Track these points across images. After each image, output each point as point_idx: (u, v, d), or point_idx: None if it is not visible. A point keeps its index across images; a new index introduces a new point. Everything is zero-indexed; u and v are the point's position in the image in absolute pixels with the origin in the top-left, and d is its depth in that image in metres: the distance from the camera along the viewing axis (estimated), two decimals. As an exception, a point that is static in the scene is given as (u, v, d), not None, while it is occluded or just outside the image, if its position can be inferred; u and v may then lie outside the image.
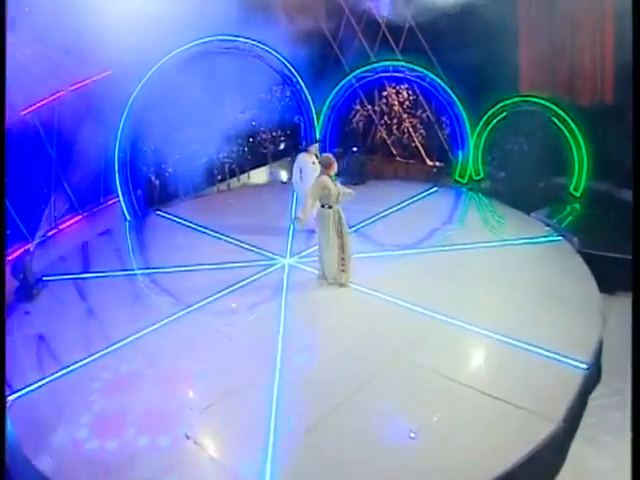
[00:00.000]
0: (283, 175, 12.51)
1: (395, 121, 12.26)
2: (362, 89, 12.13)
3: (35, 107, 9.54)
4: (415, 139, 12.30)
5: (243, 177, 12.33)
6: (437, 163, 12.54)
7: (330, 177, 7.60)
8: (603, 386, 6.41)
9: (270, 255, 8.95)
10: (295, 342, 6.76)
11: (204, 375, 6.34)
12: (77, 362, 6.68)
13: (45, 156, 9.99)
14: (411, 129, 12.23)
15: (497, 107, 11.25)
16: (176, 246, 9.64)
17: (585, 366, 6.02)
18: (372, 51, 12.63)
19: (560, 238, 8.90)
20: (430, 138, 12.24)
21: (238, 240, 9.48)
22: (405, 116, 12.18)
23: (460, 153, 11.90)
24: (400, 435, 5.30)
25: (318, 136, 12.19)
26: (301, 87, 11.95)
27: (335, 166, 7.66)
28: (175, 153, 11.21)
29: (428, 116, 12.05)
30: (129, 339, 7.04)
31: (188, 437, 5.50)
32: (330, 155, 7.78)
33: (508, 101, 11.13)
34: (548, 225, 9.41)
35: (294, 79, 11.85)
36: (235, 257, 8.96)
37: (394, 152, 12.59)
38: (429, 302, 7.19)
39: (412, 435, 5.29)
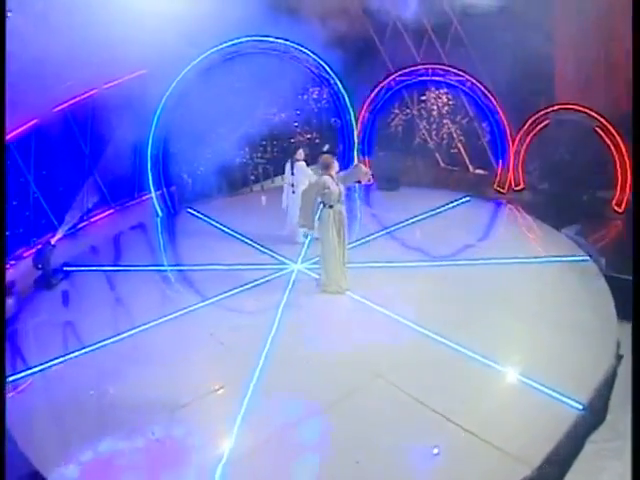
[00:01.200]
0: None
1: (434, 126, 11.73)
2: (401, 93, 11.66)
3: (68, 104, 9.69)
4: (454, 145, 11.72)
5: (277, 179, 12.14)
6: (477, 171, 11.94)
7: (331, 177, 7.35)
8: (607, 427, 5.81)
9: (282, 259, 8.74)
10: (280, 352, 6.51)
11: (184, 376, 6.22)
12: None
13: (78, 151, 10.15)
14: (450, 135, 11.66)
15: (538, 115, 10.63)
16: (198, 244, 9.62)
17: (580, 407, 5.43)
18: (418, 54, 12.15)
19: (587, 258, 8.22)
20: (470, 145, 11.65)
21: (257, 243, 9.34)
22: (445, 121, 11.63)
23: (500, 162, 11.28)
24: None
25: (356, 139, 11.88)
26: (339, 89, 11.61)
27: (335, 166, 7.45)
28: (207, 152, 11.14)
29: (468, 122, 11.45)
30: (120, 335, 7.03)
31: (153, 434, 5.41)
32: (329, 156, 7.51)
33: (549, 109, 10.49)
34: (577, 243, 8.71)
35: (331, 81, 11.53)
36: (250, 259, 8.85)
37: (432, 158, 12.05)
38: (431, 320, 6.76)
39: (435, 451, 4.94)
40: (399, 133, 11.94)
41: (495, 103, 10.97)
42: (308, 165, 9.03)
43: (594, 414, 5.69)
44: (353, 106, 11.77)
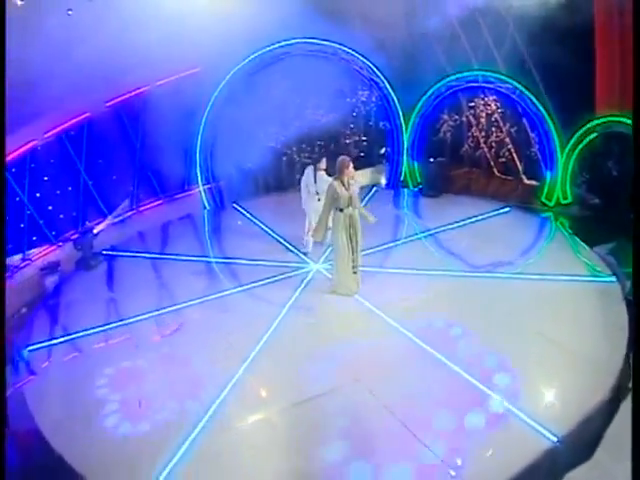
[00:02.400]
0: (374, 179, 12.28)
1: (482, 134, 11.42)
2: (450, 99, 11.44)
3: (120, 99, 10.24)
4: (502, 154, 11.37)
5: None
6: (528, 182, 11.52)
7: (342, 181, 7.38)
8: (594, 464, 5.33)
9: (305, 258, 8.86)
10: (274, 342, 6.71)
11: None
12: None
13: (129, 144, 10.70)
14: (498, 143, 11.32)
15: (587, 126, 10.15)
16: (236, 239, 9.97)
17: (555, 439, 5.15)
18: (475, 59, 11.86)
19: (612, 280, 7.75)
20: (518, 155, 11.24)
21: (288, 241, 9.52)
22: (493, 129, 11.29)
23: (548, 173, 10.85)
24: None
25: (406, 143, 11.81)
26: (388, 92, 11.56)
27: (350, 170, 7.42)
28: (255, 150, 11.41)
29: (517, 131, 11.07)
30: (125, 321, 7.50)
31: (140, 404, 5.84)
32: (345, 158, 7.50)
33: (598, 120, 10.00)
34: (607, 263, 8.25)
35: (381, 84, 11.49)
36: (277, 256, 9.03)
37: (480, 166, 11.75)
38: (430, 331, 6.66)
39: (452, 473, 4.89)
40: (447, 139, 11.72)
41: (545, 112, 10.57)
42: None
43: (574, 448, 5.27)
44: (403, 110, 11.70)
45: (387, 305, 7.29)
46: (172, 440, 5.30)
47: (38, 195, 9.75)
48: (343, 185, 7.41)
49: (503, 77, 10.75)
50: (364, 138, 12.05)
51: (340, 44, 11.02)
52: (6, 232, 7.20)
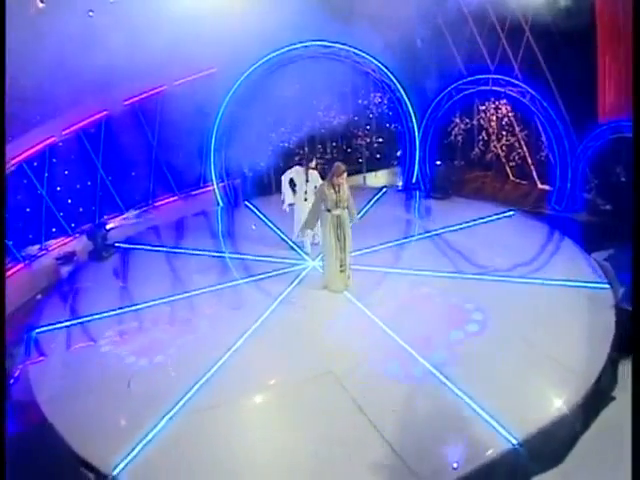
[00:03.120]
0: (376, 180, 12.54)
1: (493, 137, 11.55)
2: (462, 102, 11.62)
3: (137, 99, 10.81)
4: (512, 158, 11.49)
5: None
6: (541, 187, 11.62)
7: (332, 184, 7.70)
8: (558, 475, 5.40)
9: (303, 255, 9.22)
10: (261, 337, 7.09)
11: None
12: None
13: (146, 142, 11.26)
14: (508, 147, 11.45)
15: (597, 131, 10.20)
16: (244, 235, 10.36)
17: (515, 441, 5.25)
18: (492, 63, 12.01)
19: (604, 286, 7.77)
20: (528, 159, 11.35)
21: (289, 238, 9.85)
22: (503, 133, 11.43)
23: (558, 178, 10.92)
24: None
25: (418, 145, 12.03)
26: (401, 95, 11.81)
27: (342, 177, 7.70)
28: (268, 149, 11.85)
29: (527, 135, 11.18)
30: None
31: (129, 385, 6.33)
32: (341, 165, 7.79)
33: (608, 125, 10.03)
34: (604, 269, 8.32)
35: (393, 86, 11.75)
36: (279, 252, 9.39)
37: (489, 169, 11.89)
38: (410, 332, 6.83)
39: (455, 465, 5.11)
40: (459, 142, 11.90)
41: (555, 117, 10.66)
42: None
43: (539, 453, 5.40)
44: (415, 113, 11.94)
45: (374, 303, 7.53)
46: (154, 415, 5.77)
47: (59, 189, 10.42)
48: (333, 188, 7.70)
49: (513, 81, 10.89)
50: (376, 140, 12.33)
51: (352, 47, 11.33)
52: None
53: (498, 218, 10.15)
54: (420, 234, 9.62)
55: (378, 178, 12.37)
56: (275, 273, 8.71)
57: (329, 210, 7.78)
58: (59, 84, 8.93)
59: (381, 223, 9.98)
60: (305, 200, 8.82)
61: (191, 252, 9.78)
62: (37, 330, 7.73)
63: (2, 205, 5.72)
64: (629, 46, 9.18)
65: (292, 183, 9.27)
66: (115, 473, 5.18)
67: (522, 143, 11.33)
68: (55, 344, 7.44)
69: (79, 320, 7.90)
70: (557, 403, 5.75)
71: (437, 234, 9.60)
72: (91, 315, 7.96)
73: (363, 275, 8.32)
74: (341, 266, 7.92)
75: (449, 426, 5.46)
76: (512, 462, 5.27)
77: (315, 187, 8.82)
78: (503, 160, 11.67)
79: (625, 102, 9.65)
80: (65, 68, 8.87)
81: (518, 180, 11.88)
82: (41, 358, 7.26)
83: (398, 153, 12.61)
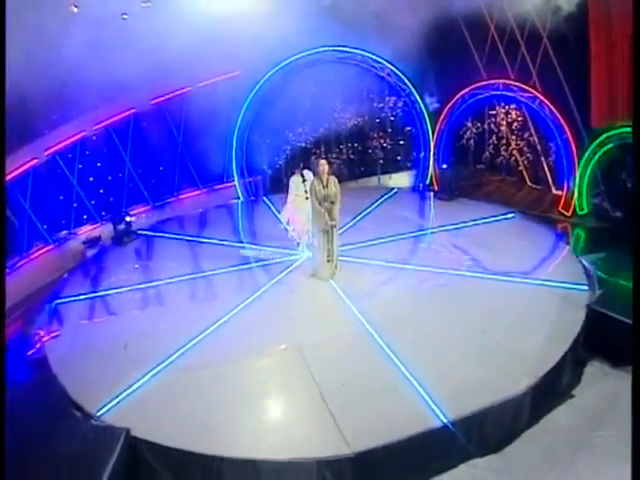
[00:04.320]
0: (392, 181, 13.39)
1: (503, 141, 12.24)
2: (473, 106, 12.34)
3: (163, 98, 12.07)
4: (521, 162, 12.14)
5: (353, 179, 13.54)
6: (557, 192, 12.16)
7: (320, 180, 8.62)
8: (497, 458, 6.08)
9: (301, 247, 10.16)
10: (249, 313, 8.16)
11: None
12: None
13: (171, 139, 12.47)
14: (517, 151, 12.11)
15: (602, 137, 10.73)
16: (258, 227, 11.38)
17: (445, 420, 5.88)
18: (512, 68, 12.66)
19: (585, 288, 8.27)
20: (536, 163, 11.95)
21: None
22: (513, 137, 12.11)
23: (565, 183, 11.51)
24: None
25: (432, 148, 12.83)
26: (415, 99, 12.65)
27: (322, 169, 8.64)
28: (286, 148, 12.93)
29: (535, 140, 11.82)
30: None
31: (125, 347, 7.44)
32: (323, 161, 8.72)
33: (613, 132, 10.52)
34: (587, 272, 8.85)
35: (407, 90, 12.62)
36: (282, 243, 10.25)
37: (501, 172, 12.56)
38: (384, 323, 7.52)
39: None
40: (470, 146, 12.64)
41: (564, 122, 11.25)
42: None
43: (475, 437, 6.04)
44: (430, 116, 12.78)
45: (355, 292, 8.33)
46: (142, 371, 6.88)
47: (91, 179, 11.79)
48: (321, 183, 8.57)
49: (523, 86, 11.55)
50: (391, 142, 13.17)
51: (368, 51, 12.27)
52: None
53: (496, 220, 10.80)
54: (412, 232, 10.35)
55: (392, 180, 13.17)
56: (273, 261, 9.66)
57: (319, 203, 8.67)
58: (91, 83, 10.15)
59: (380, 220, 10.81)
60: (306, 199, 9.46)
61: (206, 240, 10.79)
62: (56, 301, 9.07)
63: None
64: (620, 57, 9.82)
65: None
66: (99, 414, 6.27)
67: (530, 148, 11.95)
68: (70, 313, 8.65)
69: (94, 294, 9.12)
70: (497, 391, 6.29)
71: (432, 232, 10.37)
72: (105, 290, 9.19)
73: (352, 267, 9.16)
74: (328, 256, 8.75)
75: (388, 401, 6.17)
76: (444, 440, 5.92)
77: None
78: (513, 164, 12.32)
79: (615, 111, 10.22)
80: (97, 68, 9.84)
81: (533, 185, 12.49)
82: (56, 325, 8.45)
83: (412, 155, 13.46)
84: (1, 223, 6.17)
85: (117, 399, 6.45)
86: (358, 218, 11.04)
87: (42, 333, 8.22)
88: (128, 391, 6.59)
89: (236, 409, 6.23)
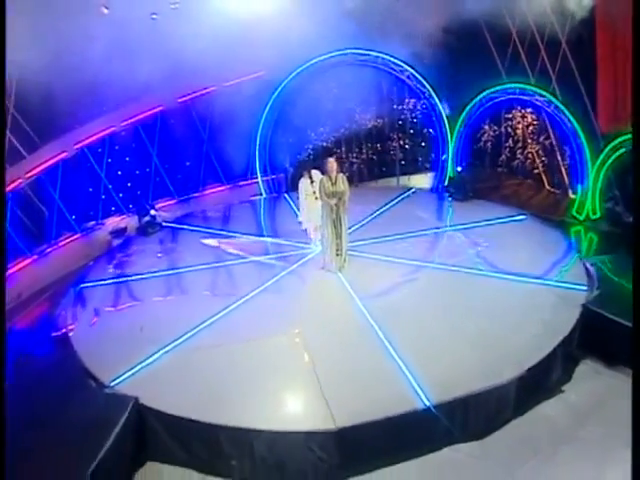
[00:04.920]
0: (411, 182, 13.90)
1: (519, 145, 12.64)
2: (491, 110, 12.75)
3: (191, 96, 12.80)
4: (537, 166, 12.51)
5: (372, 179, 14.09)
6: (572, 196, 12.48)
7: (329, 177, 9.17)
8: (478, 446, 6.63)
9: (314, 242, 10.74)
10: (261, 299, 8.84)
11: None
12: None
13: (197, 136, 13.17)
14: (533, 155, 12.48)
15: (615, 142, 11.02)
16: (277, 221, 12.02)
17: (427, 403, 6.36)
18: (532, 73, 13.01)
19: (583, 288, 8.61)
20: (551, 167, 12.28)
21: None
22: (529, 141, 12.49)
23: (579, 187, 11.83)
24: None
25: (451, 150, 13.29)
26: (435, 102, 13.13)
27: (330, 168, 9.21)
28: (308, 147, 13.54)
29: (551, 144, 12.18)
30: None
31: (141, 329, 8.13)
32: (331, 160, 9.28)
33: (626, 136, 10.78)
34: (588, 273, 9.17)
35: (427, 93, 13.10)
36: (298, 238, 10.78)
37: (519, 176, 12.95)
38: (385, 315, 8.01)
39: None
40: (488, 149, 13.07)
41: (578, 126, 11.59)
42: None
43: (457, 422, 6.50)
44: (449, 118, 13.24)
45: (359, 284, 8.88)
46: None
47: (119, 173, 12.60)
48: (330, 180, 9.12)
49: (538, 90, 11.95)
50: (410, 143, 13.66)
51: (388, 54, 12.79)
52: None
53: (507, 221, 11.10)
54: (422, 230, 10.81)
55: (412, 181, 13.59)
56: (287, 254, 10.29)
57: (328, 200, 9.31)
58: (120, 82, 10.85)
59: (394, 219, 11.32)
60: (316, 199, 9.90)
61: (227, 233, 11.49)
62: (81, 285, 9.84)
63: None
64: (622, 61, 10.15)
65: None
66: (112, 384, 6.96)
67: (548, 151, 12.31)
68: (93, 297, 9.39)
69: (116, 280, 9.89)
70: (482, 379, 6.72)
71: (441, 231, 10.84)
72: (127, 276, 9.96)
73: (360, 261, 9.68)
74: (337, 250, 9.28)
75: (376, 382, 6.71)
76: (428, 423, 6.40)
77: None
78: (531, 167, 12.70)
79: (619, 115, 10.54)
80: (126, 67, 10.36)
81: (551, 189, 12.83)
82: (79, 307, 9.21)
83: (431, 157, 13.86)
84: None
85: (130, 372, 7.11)
86: (373, 216, 11.53)
87: (66, 313, 8.96)
88: (140, 365, 7.25)
89: (239, 384, 6.84)
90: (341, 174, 9.36)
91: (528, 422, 6.93)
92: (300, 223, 10.52)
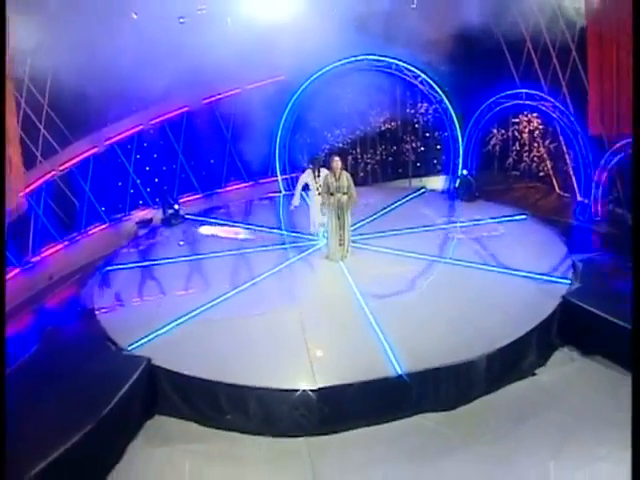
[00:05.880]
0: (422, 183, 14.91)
1: (526, 148, 13.55)
2: (499, 114, 13.71)
3: (215, 98, 14.06)
4: (542, 169, 13.40)
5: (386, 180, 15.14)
6: (578, 198, 13.30)
7: (334, 173, 10.25)
8: (453, 417, 7.49)
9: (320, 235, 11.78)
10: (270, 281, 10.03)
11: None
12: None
13: (220, 136, 14.46)
14: (539, 158, 13.39)
15: (616, 146, 11.72)
16: (292, 216, 13.10)
17: (400, 370, 7.32)
18: (545, 81, 13.88)
19: (567, 281, 9.39)
20: (556, 170, 13.19)
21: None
22: (535, 145, 13.40)
23: (582, 190, 12.69)
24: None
25: (461, 152, 14.27)
26: (447, 106, 14.14)
27: (335, 165, 10.31)
28: (325, 147, 14.67)
29: (556, 147, 13.07)
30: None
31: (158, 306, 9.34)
32: (336, 157, 10.38)
33: (625, 141, 11.43)
34: (575, 269, 9.88)
35: (439, 97, 14.12)
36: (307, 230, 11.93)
37: (530, 179, 13.85)
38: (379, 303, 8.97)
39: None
40: (496, 152, 14.04)
41: (581, 130, 12.44)
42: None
43: (429, 392, 7.41)
44: (460, 122, 14.24)
45: (357, 271, 9.94)
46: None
47: (147, 169, 13.93)
48: (334, 176, 10.19)
49: (544, 95, 12.85)
50: (422, 145, 14.70)
51: (402, 60, 13.86)
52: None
53: (506, 220, 11.98)
54: (424, 226, 11.81)
55: (424, 183, 14.62)
56: (296, 245, 11.45)
57: (332, 194, 10.29)
58: (149, 82, 11.69)
59: (400, 216, 12.40)
60: (319, 194, 10.96)
61: (245, 226, 12.64)
62: (107, 268, 11.14)
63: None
64: (609, 64, 10.99)
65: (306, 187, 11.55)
66: (129, 348, 8.13)
67: (554, 156, 13.20)
68: (118, 277, 10.68)
69: (140, 263, 11.19)
70: (454, 354, 7.60)
71: (441, 228, 11.83)
72: (150, 260, 11.28)
73: (362, 252, 10.75)
74: (340, 240, 10.35)
75: (357, 351, 7.71)
76: (401, 390, 7.32)
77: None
78: (539, 171, 13.62)
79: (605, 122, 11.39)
80: (154, 69, 11.44)
81: (562, 193, 13.68)
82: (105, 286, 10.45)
83: (442, 159, 14.78)
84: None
85: (145, 339, 8.26)
86: (381, 213, 12.58)
87: (92, 291, 10.24)
88: (156, 334, 8.40)
89: (238, 349, 7.98)
90: (345, 171, 10.41)
91: (497, 398, 7.76)
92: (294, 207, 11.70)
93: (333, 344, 8.01)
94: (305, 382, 7.22)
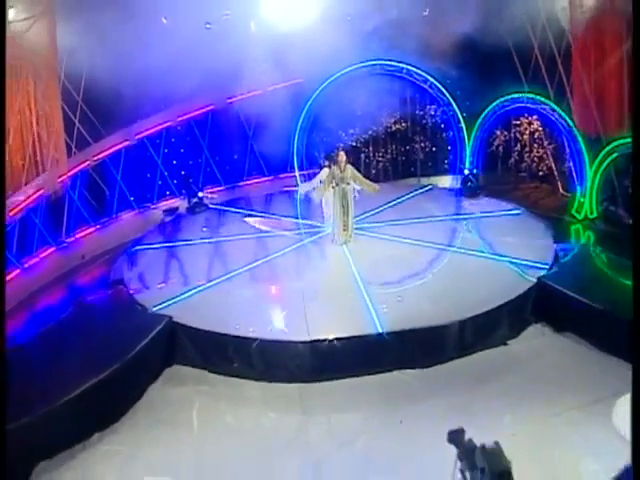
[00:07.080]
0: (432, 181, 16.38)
1: (527, 149, 14.96)
2: (503, 116, 15.13)
3: (239, 97, 15.71)
4: (542, 168, 14.77)
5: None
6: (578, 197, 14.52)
7: (339, 166, 11.80)
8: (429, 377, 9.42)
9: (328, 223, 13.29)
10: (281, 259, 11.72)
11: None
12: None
13: (243, 133, 16.12)
14: (539, 158, 14.77)
15: (610, 146, 12.79)
16: (306, 207, 14.58)
17: (380, 331, 8.91)
18: (552, 87, 15.15)
19: (546, 266, 10.64)
20: (555, 170, 14.57)
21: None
22: (535, 145, 14.80)
23: (578, 189, 13.98)
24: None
25: (468, 152, 15.71)
26: (454, 109, 15.58)
27: (340, 159, 11.92)
28: (339, 145, 16.21)
29: (554, 148, 14.43)
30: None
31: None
32: (341, 152, 11.98)
33: (621, 140, 12.47)
34: (556, 256, 11.14)
35: (446, 100, 15.60)
36: (317, 220, 13.38)
37: (523, 177, 15.20)
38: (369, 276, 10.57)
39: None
40: (499, 152, 15.51)
41: (577, 132, 13.72)
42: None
43: (406, 351, 8.92)
44: (467, 124, 15.70)
45: (356, 251, 11.51)
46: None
47: (175, 162, 15.64)
48: (339, 168, 11.74)
49: (543, 99, 14.18)
50: (431, 146, 16.10)
51: (412, 65, 15.37)
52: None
53: (501, 214, 13.35)
54: (424, 217, 13.30)
55: (432, 182, 16.06)
56: (308, 231, 12.99)
57: (337, 184, 11.89)
58: (177, 81, 13.28)
59: (403, 209, 13.88)
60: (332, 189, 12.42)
61: (263, 215, 14.31)
62: (136, 247, 12.86)
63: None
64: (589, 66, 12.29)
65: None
66: (154, 309, 9.76)
67: (555, 156, 14.48)
68: (146, 255, 12.37)
69: (165, 244, 12.89)
70: (428, 319, 9.13)
71: (440, 220, 13.29)
72: (175, 241, 12.97)
73: (363, 238, 12.28)
74: (344, 226, 11.87)
75: (346, 313, 9.42)
76: (381, 347, 8.83)
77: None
78: (534, 170, 14.97)
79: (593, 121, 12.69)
80: (181, 69, 13.07)
81: (565, 193, 14.74)
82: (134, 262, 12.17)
83: (450, 159, 16.08)
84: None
85: (168, 302, 9.91)
86: (386, 206, 14.08)
87: (122, 266, 11.94)
88: (178, 298, 10.09)
89: (250, 311, 9.68)
90: (349, 165, 11.97)
91: (468, 363, 9.17)
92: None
93: (327, 308, 9.56)
94: (301, 336, 8.74)
